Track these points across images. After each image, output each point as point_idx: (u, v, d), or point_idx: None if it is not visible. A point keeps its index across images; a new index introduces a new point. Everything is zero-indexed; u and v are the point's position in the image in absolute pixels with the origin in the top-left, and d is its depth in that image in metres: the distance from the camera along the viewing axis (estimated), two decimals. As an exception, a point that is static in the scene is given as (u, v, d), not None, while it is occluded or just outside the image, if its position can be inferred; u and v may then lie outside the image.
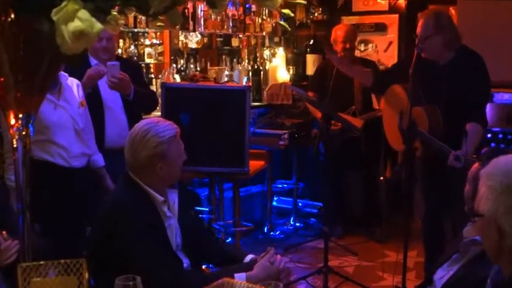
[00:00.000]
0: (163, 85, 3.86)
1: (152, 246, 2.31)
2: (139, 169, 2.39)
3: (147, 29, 4.96)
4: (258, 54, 5.90)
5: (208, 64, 5.60)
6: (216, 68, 5.65)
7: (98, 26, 1.30)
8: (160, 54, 5.13)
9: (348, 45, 4.91)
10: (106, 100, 3.61)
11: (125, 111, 3.64)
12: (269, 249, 2.49)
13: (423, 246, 3.94)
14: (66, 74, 3.28)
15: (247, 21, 5.64)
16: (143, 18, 4.67)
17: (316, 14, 6.03)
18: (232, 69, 5.61)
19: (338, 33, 4.93)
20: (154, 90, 4.79)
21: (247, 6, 5.60)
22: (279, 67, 5.78)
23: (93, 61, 3.61)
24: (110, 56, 3.62)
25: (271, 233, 5.20)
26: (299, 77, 5.95)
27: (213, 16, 5.28)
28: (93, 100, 3.48)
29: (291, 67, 6.02)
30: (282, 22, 5.72)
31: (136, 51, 4.97)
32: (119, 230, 2.29)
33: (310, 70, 5.69)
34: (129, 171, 2.43)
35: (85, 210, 3.15)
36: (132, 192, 2.39)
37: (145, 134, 2.37)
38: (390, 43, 5.75)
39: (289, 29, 5.96)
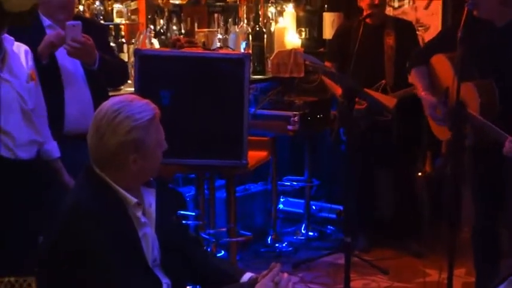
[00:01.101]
0: (137, 52, 3.85)
1: (122, 262, 2.31)
2: (107, 162, 2.39)
3: (116, -21, 4.97)
4: (260, 13, 5.88)
5: (196, 25, 5.57)
6: (206, 30, 5.62)
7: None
8: (134, 12, 5.12)
9: (376, 1, 4.91)
10: (65, 71, 3.61)
11: (88, 85, 3.64)
12: (273, 266, 2.49)
13: (473, 262, 3.95)
14: (11, 38, 3.28)
15: (247, -32, 5.64)
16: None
17: (336, -41, 6.01)
18: (226, 32, 5.59)
19: (364, -15, 4.94)
20: (126, 59, 4.80)
21: None
22: (287, 29, 5.76)
23: (46, 21, 3.62)
24: (68, 16, 3.61)
25: (277, 245, 5.22)
26: (314, 42, 5.94)
27: (202, -39, 5.28)
28: (48, 72, 3.49)
29: (303, 29, 6.00)
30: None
31: (102, 8, 4.96)
32: (78, 242, 2.29)
33: (328, 33, 5.68)
34: (92, 164, 2.42)
35: (36, 214, 3.16)
36: (96, 191, 2.39)
37: (116, 115, 2.37)
38: (432, -2, 5.74)
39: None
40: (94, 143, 2.40)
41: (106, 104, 2.42)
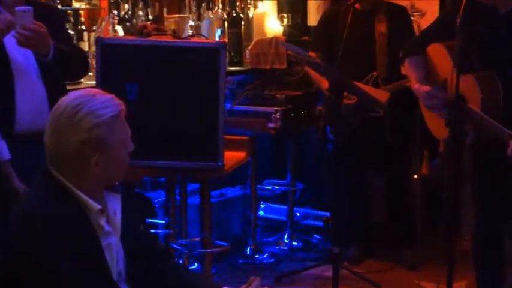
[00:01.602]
0: (99, 41, 3.85)
1: (83, 276, 2.32)
2: (66, 163, 2.39)
3: (75, -42, 4.96)
4: (237, -4, 5.90)
5: (165, 10, 5.57)
6: (176, 16, 5.62)
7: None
8: (95, -5, 5.12)
9: (367, -17, 4.94)
10: (15, 62, 3.59)
11: (42, 78, 3.62)
12: (253, 280, 2.51)
13: (475, 274, 3.98)
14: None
15: None
16: None
17: None
18: (199, 18, 5.60)
19: (353, -35, 4.96)
20: (86, 48, 4.78)
21: None
22: (267, 15, 5.78)
23: (-6, 5, 3.59)
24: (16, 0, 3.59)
25: (257, 256, 5.24)
26: (297, 30, 5.96)
27: None
28: None
29: (285, 15, 6.02)
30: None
31: (59, -10, 4.96)
32: (34, 255, 2.30)
33: (313, 20, 5.70)
34: (50, 166, 2.43)
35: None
36: (54, 197, 2.39)
37: (76, 111, 2.37)
38: (429, -20, 5.77)
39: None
40: (52, 142, 2.39)
41: (65, 99, 2.42)
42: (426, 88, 3.73)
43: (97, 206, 2.42)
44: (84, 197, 2.41)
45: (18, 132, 3.53)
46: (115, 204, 2.52)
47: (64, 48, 3.61)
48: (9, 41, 3.51)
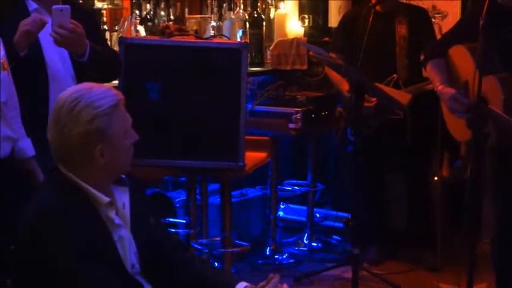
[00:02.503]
0: (123, 41, 3.87)
1: (98, 269, 2.33)
2: (72, 157, 2.42)
3: (98, -42, 4.97)
4: (259, -3, 5.90)
5: (187, 11, 5.58)
6: (198, 16, 5.63)
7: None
8: (118, -5, 5.13)
9: (389, -14, 4.93)
10: (50, 62, 3.58)
11: (76, 81, 3.62)
12: (272, 277, 2.50)
13: (495, 277, 3.96)
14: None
15: None
16: None
17: None
18: (221, 18, 5.60)
19: (375, -33, 4.95)
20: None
21: None
22: (289, 16, 5.78)
23: (33, 5, 3.59)
24: None
25: (276, 256, 5.23)
26: (318, 31, 5.95)
27: None
28: (31, 62, 3.47)
29: (306, 16, 6.02)
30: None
31: (82, -10, 4.96)
32: (47, 250, 2.31)
33: (334, 21, 5.69)
34: (57, 163, 2.45)
35: (8, 219, 3.16)
36: (63, 192, 2.41)
37: (75, 105, 2.39)
38: (451, -18, 5.75)
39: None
40: (55, 137, 2.43)
41: (64, 94, 2.46)
42: (451, 91, 3.71)
43: (106, 199, 2.44)
44: (93, 190, 2.43)
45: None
46: (123, 197, 2.54)
47: (99, 49, 3.61)
48: (46, 42, 3.51)
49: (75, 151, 2.40)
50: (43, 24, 3.39)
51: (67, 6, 3.42)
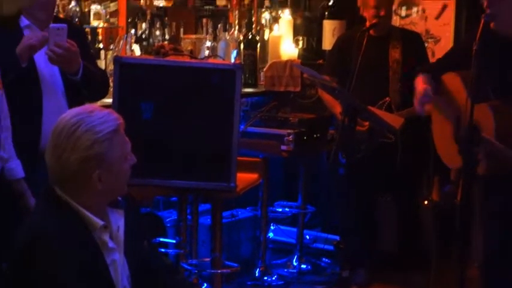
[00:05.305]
0: (117, 60, 3.85)
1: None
2: (68, 181, 2.40)
3: (94, -23, 4.97)
4: (253, 19, 5.91)
5: (182, 31, 5.59)
6: (193, 36, 5.64)
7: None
8: (113, 14, 5.13)
9: (382, 12, 4.93)
10: (44, 80, 3.58)
11: (66, 97, 3.62)
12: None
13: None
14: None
15: (240, -31, 5.67)
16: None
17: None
18: (215, 39, 5.61)
19: (369, -8, 4.97)
20: (103, 66, 4.79)
21: None
22: (283, 38, 5.79)
23: (24, 21, 3.60)
24: (49, 15, 3.61)
25: (266, 278, 5.21)
26: (312, 53, 5.97)
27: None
28: (26, 79, 3.46)
29: (300, 38, 6.03)
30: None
31: (78, 9, 4.96)
32: (40, 272, 2.30)
33: (328, 43, 5.70)
34: (52, 184, 2.43)
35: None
36: (57, 215, 2.40)
37: (75, 129, 2.38)
38: (444, 7, 5.77)
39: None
40: (53, 162, 2.41)
41: (64, 118, 2.43)
42: (425, 86, 3.73)
43: (100, 222, 2.43)
44: (88, 213, 2.41)
45: (43, 149, 3.52)
46: (118, 220, 2.53)
47: (91, 68, 3.63)
48: (39, 58, 3.51)
49: (72, 176, 2.39)
50: (46, 40, 3.40)
51: (64, 25, 3.44)
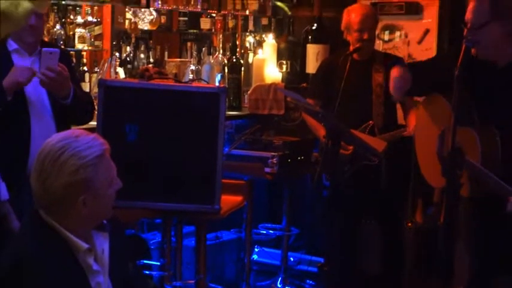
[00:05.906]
0: (102, 83, 3.86)
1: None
2: (53, 205, 2.39)
3: (78, 1, 4.95)
4: (237, 42, 5.92)
5: (166, 54, 5.60)
6: (178, 60, 5.65)
7: (26, 4, 1.30)
8: (98, 37, 5.13)
9: (366, 35, 4.94)
10: (32, 103, 3.59)
11: (55, 120, 3.62)
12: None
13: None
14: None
15: (224, -6, 5.69)
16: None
17: (322, -12, 6.08)
18: (200, 62, 5.62)
19: (352, 16, 4.97)
20: (87, 89, 4.79)
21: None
22: (267, 61, 5.80)
23: (13, 45, 3.60)
24: (36, 39, 3.63)
25: (250, 300, 5.20)
26: (296, 77, 5.98)
27: (174, -14, 5.34)
28: (14, 102, 3.47)
29: (284, 62, 6.05)
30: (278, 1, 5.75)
31: (63, 32, 4.97)
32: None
33: (312, 67, 5.72)
34: (38, 208, 2.42)
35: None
36: (42, 238, 2.39)
37: (60, 154, 2.37)
38: (427, 31, 5.80)
39: (289, 12, 5.99)
40: (38, 186, 2.39)
41: (49, 142, 2.42)
42: (401, 70, 3.82)
43: (85, 246, 2.42)
44: (72, 237, 2.40)
45: (30, 171, 3.51)
46: (103, 242, 2.52)
47: (80, 93, 3.64)
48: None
49: (57, 201, 2.38)
50: (33, 75, 3.42)
51: (57, 50, 3.48)
